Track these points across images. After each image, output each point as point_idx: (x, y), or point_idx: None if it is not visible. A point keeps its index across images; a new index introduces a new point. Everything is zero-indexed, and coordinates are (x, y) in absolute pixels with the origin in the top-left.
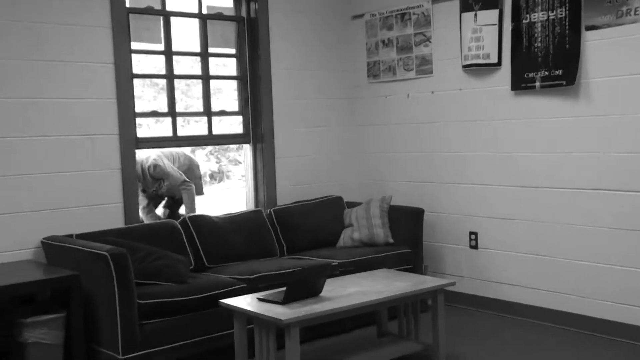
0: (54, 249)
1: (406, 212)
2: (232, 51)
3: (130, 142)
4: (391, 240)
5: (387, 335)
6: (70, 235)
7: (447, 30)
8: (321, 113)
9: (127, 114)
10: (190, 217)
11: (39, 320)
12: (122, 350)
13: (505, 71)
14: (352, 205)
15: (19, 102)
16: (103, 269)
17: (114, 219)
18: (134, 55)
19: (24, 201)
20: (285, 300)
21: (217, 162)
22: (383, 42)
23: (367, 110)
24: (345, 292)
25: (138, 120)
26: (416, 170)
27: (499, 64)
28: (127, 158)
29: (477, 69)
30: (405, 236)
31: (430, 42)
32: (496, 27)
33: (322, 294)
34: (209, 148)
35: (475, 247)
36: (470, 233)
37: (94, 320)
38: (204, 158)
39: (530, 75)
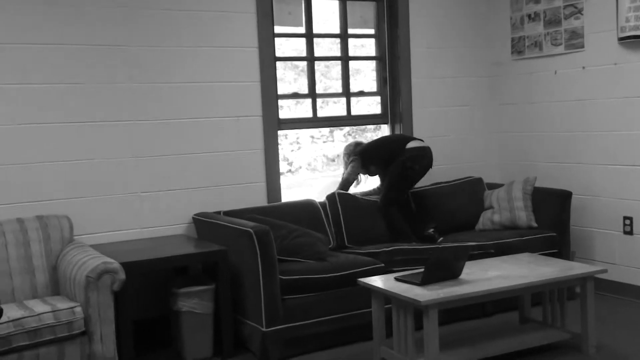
0: (203, 225)
1: (551, 194)
2: (371, 31)
3: (272, 123)
4: (535, 224)
5: (530, 322)
6: (219, 212)
7: (601, 0)
8: (461, 92)
9: (270, 96)
10: (339, 193)
11: (191, 291)
12: (265, 323)
13: None
14: (492, 186)
15: (171, 86)
16: (248, 244)
17: (258, 197)
18: (276, 39)
19: (178, 179)
20: (424, 282)
21: None
22: (529, 16)
23: (510, 88)
24: (486, 275)
25: (280, 102)
26: (563, 151)
27: None
28: (270, 138)
29: (636, 41)
30: (550, 220)
31: (581, 14)
32: None
33: (462, 276)
34: (347, 129)
35: (630, 232)
36: (625, 218)
37: (240, 293)
38: (341, 139)
39: None
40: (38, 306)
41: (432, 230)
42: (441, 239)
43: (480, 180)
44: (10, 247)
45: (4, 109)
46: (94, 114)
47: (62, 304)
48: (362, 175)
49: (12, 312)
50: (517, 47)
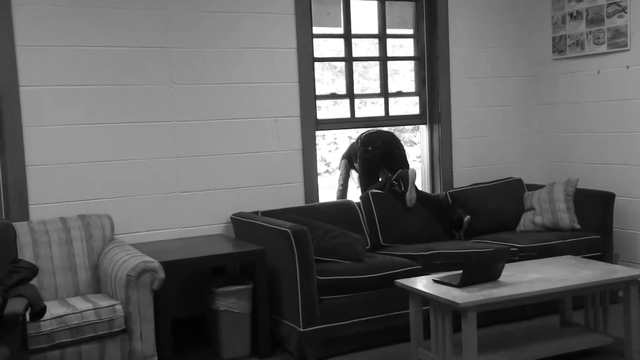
0: (241, 225)
1: (594, 196)
2: (410, 32)
3: (310, 123)
4: (577, 226)
5: (572, 326)
6: (256, 212)
7: None
8: (501, 92)
9: (308, 96)
10: (372, 193)
11: (229, 290)
12: (302, 323)
13: None
14: (532, 187)
15: (211, 87)
16: (285, 244)
17: (296, 198)
18: (314, 40)
19: (217, 179)
20: (462, 283)
21: None
22: (571, 14)
23: (551, 88)
24: (526, 278)
25: (317, 102)
26: (606, 152)
27: None
28: (308, 139)
29: None
30: (592, 222)
31: (625, 12)
32: None
33: (501, 278)
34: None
35: None
36: None
37: (277, 293)
38: None
39: None
40: (80, 304)
41: (461, 212)
42: (468, 217)
43: (520, 181)
44: (53, 246)
45: (50, 109)
46: (137, 115)
47: (103, 301)
48: (355, 175)
49: (55, 309)
50: (559, 47)
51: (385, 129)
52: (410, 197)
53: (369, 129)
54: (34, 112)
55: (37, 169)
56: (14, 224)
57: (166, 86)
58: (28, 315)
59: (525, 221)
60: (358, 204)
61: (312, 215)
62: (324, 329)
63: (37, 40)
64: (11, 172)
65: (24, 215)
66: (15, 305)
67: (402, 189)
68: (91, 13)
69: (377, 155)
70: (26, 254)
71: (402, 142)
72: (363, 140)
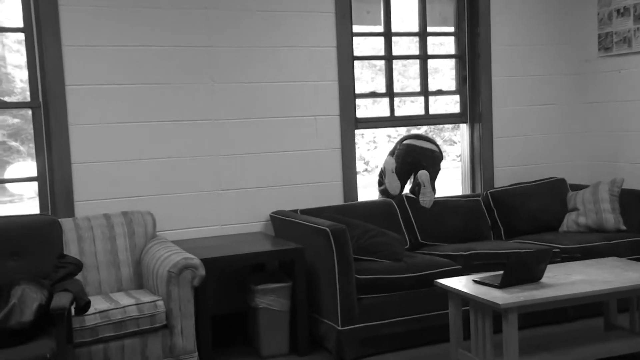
0: (280, 223)
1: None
2: (451, 29)
3: (350, 122)
4: (623, 227)
5: (616, 329)
6: (295, 210)
7: None
8: (543, 90)
9: (347, 95)
10: (406, 195)
11: (268, 288)
12: (341, 322)
13: None
14: (576, 187)
15: (252, 86)
16: (324, 243)
17: (335, 196)
18: (354, 38)
19: (257, 177)
20: (503, 284)
21: None
22: (618, 11)
23: (596, 86)
24: (569, 279)
25: (357, 101)
26: None
27: None
28: (347, 138)
29: None
30: (638, 223)
31: None
32: None
33: (543, 280)
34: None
35: None
36: None
37: (316, 291)
38: None
39: None
40: (123, 299)
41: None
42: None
43: (563, 181)
44: (97, 242)
45: (94, 108)
46: (178, 114)
47: (145, 297)
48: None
49: (98, 304)
50: (605, 44)
51: (425, 145)
52: (423, 200)
53: (413, 138)
54: (79, 111)
55: (82, 167)
56: (59, 220)
57: (207, 85)
58: (73, 309)
59: (569, 222)
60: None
61: (351, 214)
62: (362, 328)
63: (82, 40)
64: (57, 169)
65: (70, 212)
66: (62, 299)
67: (418, 194)
68: (134, 13)
69: (404, 170)
70: (71, 249)
71: (436, 160)
72: (399, 151)
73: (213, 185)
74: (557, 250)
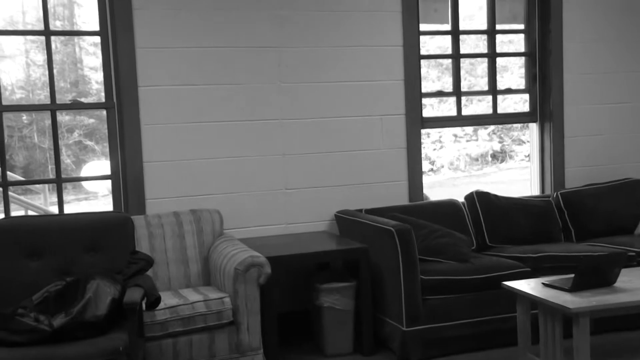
0: (345, 222)
1: None
2: (521, 27)
3: (416, 121)
4: None
5: None
6: (360, 210)
7: None
8: (618, 88)
9: (413, 94)
10: (477, 193)
11: (333, 287)
12: (406, 322)
13: None
14: None
15: (319, 86)
16: (389, 243)
17: (400, 196)
18: (420, 37)
19: (322, 177)
20: (574, 288)
21: (499, 142)
22: None
23: None
24: None
25: (423, 100)
26: None
27: None
28: (413, 137)
29: None
30: None
31: None
32: None
33: (617, 284)
34: (491, 127)
35: None
36: None
37: (381, 291)
38: (485, 137)
39: None
40: (191, 295)
41: None
42: None
43: (638, 182)
44: (167, 239)
45: (165, 108)
46: (248, 113)
47: (213, 294)
48: None
49: (168, 299)
50: None
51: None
52: None
53: None
54: (151, 111)
55: (153, 166)
56: (132, 217)
57: (274, 85)
58: (144, 304)
59: None
60: (463, 203)
61: (417, 214)
62: (427, 329)
63: (154, 42)
64: (130, 168)
65: (141, 209)
66: (134, 294)
67: None
68: (205, 15)
69: None
70: (143, 246)
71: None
72: None
73: (279, 184)
74: (633, 254)
